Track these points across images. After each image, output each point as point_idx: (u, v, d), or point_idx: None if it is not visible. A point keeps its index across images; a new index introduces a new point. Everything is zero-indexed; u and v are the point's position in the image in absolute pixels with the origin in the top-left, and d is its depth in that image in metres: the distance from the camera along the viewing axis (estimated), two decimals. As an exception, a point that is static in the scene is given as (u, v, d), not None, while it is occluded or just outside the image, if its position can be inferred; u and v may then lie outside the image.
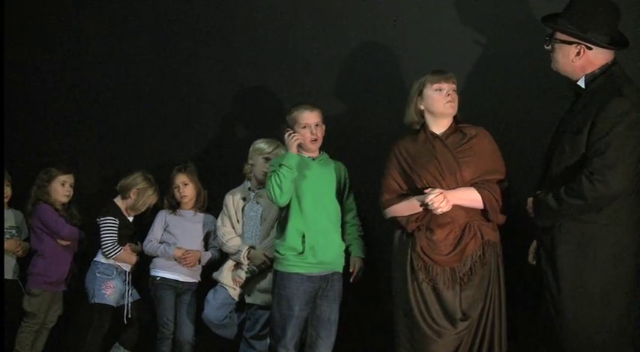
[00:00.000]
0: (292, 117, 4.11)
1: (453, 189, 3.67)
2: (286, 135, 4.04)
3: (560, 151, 3.34)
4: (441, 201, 3.61)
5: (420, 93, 3.78)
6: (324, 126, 4.15)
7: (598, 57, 3.35)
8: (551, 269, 3.35)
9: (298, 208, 4.04)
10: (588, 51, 3.34)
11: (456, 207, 3.65)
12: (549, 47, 3.45)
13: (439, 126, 3.80)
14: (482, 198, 3.67)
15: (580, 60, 3.35)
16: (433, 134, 3.78)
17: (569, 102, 3.48)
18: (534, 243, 3.67)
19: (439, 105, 3.75)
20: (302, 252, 3.99)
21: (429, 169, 3.69)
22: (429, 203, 3.61)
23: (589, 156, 3.22)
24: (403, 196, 3.77)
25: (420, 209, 3.68)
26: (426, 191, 3.66)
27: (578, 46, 3.35)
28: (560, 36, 3.39)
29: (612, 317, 3.28)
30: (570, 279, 3.30)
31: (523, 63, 4.13)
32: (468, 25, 4.30)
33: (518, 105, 4.15)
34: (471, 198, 3.67)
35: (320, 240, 4.02)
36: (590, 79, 3.36)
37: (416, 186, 3.73)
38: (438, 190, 3.64)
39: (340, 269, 4.12)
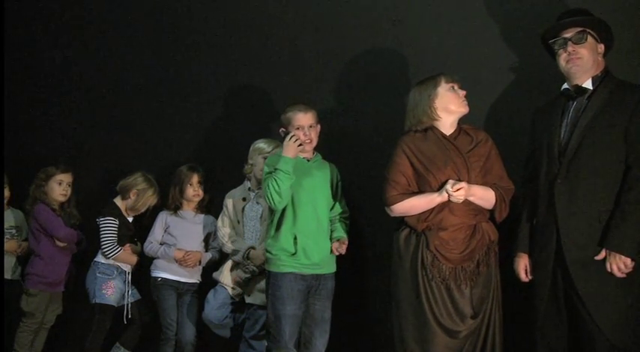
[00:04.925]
0: (286, 118, 4.08)
1: None
2: (287, 138, 4.00)
3: (589, 145, 3.41)
4: (460, 187, 3.61)
5: (434, 91, 3.76)
6: (318, 127, 4.12)
7: (603, 61, 3.59)
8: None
9: (292, 210, 4.01)
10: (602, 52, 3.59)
11: (465, 208, 3.67)
12: (581, 43, 3.53)
13: (448, 127, 3.79)
14: (496, 197, 3.72)
15: (599, 59, 3.57)
16: (444, 135, 3.77)
17: (558, 106, 3.60)
18: (522, 258, 3.69)
19: (456, 102, 3.76)
20: (294, 253, 3.97)
21: (446, 172, 3.69)
22: (450, 187, 3.61)
23: None
24: (410, 194, 3.74)
25: (436, 203, 3.66)
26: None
27: (601, 46, 3.58)
28: (592, 31, 3.55)
29: None
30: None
31: (524, 63, 4.14)
32: (468, 26, 4.31)
33: (518, 105, 4.15)
34: (485, 192, 3.70)
35: (310, 243, 3.99)
36: (596, 81, 3.54)
37: (429, 186, 3.71)
38: (454, 181, 3.66)
39: (332, 269, 4.09)
